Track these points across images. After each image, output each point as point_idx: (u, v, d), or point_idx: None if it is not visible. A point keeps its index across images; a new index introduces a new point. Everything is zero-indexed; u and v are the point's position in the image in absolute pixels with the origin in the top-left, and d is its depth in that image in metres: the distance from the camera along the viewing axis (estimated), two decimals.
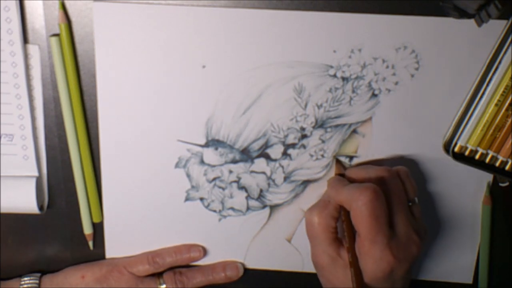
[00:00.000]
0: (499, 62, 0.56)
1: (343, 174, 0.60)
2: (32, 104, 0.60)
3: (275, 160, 0.62)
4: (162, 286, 0.64)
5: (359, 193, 0.53)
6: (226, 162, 0.62)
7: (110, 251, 0.65)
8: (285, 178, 0.62)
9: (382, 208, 0.53)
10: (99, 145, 0.61)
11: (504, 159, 0.58)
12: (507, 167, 0.58)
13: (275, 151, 0.61)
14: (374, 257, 0.53)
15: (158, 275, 0.65)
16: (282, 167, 0.62)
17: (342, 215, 0.57)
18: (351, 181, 0.58)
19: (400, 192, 0.56)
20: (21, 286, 0.63)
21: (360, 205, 0.53)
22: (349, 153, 0.61)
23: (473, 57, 0.57)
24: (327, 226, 0.56)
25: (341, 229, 0.57)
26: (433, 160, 0.61)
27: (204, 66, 0.59)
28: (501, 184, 0.62)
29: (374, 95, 0.59)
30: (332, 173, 0.62)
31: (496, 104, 0.56)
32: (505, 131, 0.57)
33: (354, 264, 0.54)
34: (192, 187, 0.63)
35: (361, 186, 0.54)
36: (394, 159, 0.61)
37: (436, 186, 0.62)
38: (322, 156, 0.61)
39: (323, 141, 0.61)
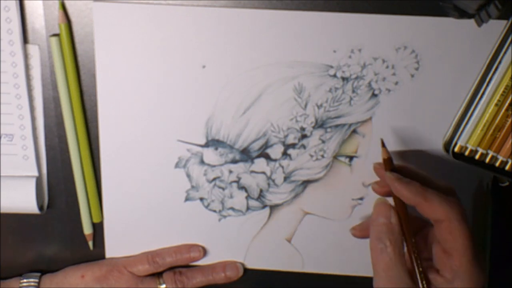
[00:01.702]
0: (499, 62, 0.56)
1: (389, 158, 0.55)
2: (32, 104, 0.60)
3: (275, 160, 0.62)
4: (162, 286, 0.64)
5: (459, 205, 0.49)
6: (226, 162, 0.62)
7: (110, 251, 0.65)
8: (285, 178, 0.62)
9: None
10: (99, 145, 0.61)
11: (504, 159, 0.58)
12: (507, 167, 0.58)
13: (275, 151, 0.61)
14: (472, 276, 0.49)
15: (158, 275, 0.65)
16: (282, 167, 0.62)
17: (406, 233, 0.52)
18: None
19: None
20: (21, 286, 0.63)
21: (461, 218, 0.49)
22: (349, 153, 0.61)
23: (473, 57, 0.57)
24: (402, 252, 0.50)
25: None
26: (433, 160, 0.61)
27: (204, 66, 0.59)
28: (501, 184, 0.62)
29: (374, 95, 0.59)
30: (331, 174, 0.62)
31: (496, 104, 0.56)
32: (505, 131, 0.57)
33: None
34: (192, 187, 0.63)
35: (455, 200, 0.50)
36: (394, 159, 0.61)
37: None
38: (322, 156, 0.61)
39: (323, 141, 0.61)
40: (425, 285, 0.50)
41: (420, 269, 0.50)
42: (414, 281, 0.50)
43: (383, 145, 0.56)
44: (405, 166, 0.56)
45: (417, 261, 0.50)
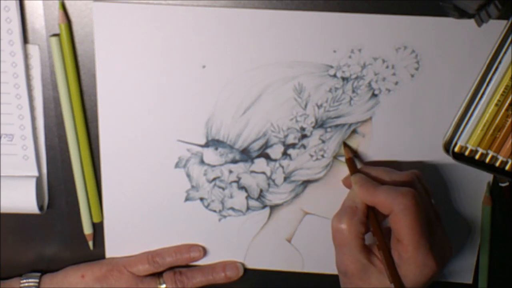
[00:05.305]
0: (499, 62, 0.56)
1: (352, 158, 0.59)
2: (32, 104, 0.60)
3: (275, 160, 0.62)
4: (162, 286, 0.64)
5: (402, 196, 0.52)
6: (226, 162, 0.62)
7: (110, 251, 0.65)
8: (285, 178, 0.62)
9: (423, 213, 0.52)
10: (99, 145, 0.61)
11: (504, 159, 0.58)
12: (507, 167, 0.58)
13: (275, 151, 0.61)
14: (417, 262, 0.52)
15: (158, 275, 0.65)
16: (282, 167, 0.62)
17: (371, 220, 0.55)
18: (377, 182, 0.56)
19: (426, 197, 0.56)
20: (21, 286, 0.63)
21: (404, 208, 0.52)
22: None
23: (473, 57, 0.57)
24: (358, 233, 0.54)
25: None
26: (433, 160, 0.61)
27: (204, 66, 0.59)
28: (501, 184, 0.62)
29: (374, 95, 0.59)
30: (331, 174, 0.62)
31: (496, 104, 0.56)
32: (505, 131, 0.57)
33: (393, 270, 0.53)
34: (192, 187, 0.63)
35: (402, 189, 0.53)
36: (394, 159, 0.61)
37: (436, 186, 0.62)
38: (322, 156, 0.61)
39: (323, 141, 0.61)
40: (377, 264, 0.54)
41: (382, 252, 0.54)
42: (369, 259, 0.54)
43: (346, 145, 0.60)
44: (368, 165, 0.60)
45: (381, 241, 0.54)
